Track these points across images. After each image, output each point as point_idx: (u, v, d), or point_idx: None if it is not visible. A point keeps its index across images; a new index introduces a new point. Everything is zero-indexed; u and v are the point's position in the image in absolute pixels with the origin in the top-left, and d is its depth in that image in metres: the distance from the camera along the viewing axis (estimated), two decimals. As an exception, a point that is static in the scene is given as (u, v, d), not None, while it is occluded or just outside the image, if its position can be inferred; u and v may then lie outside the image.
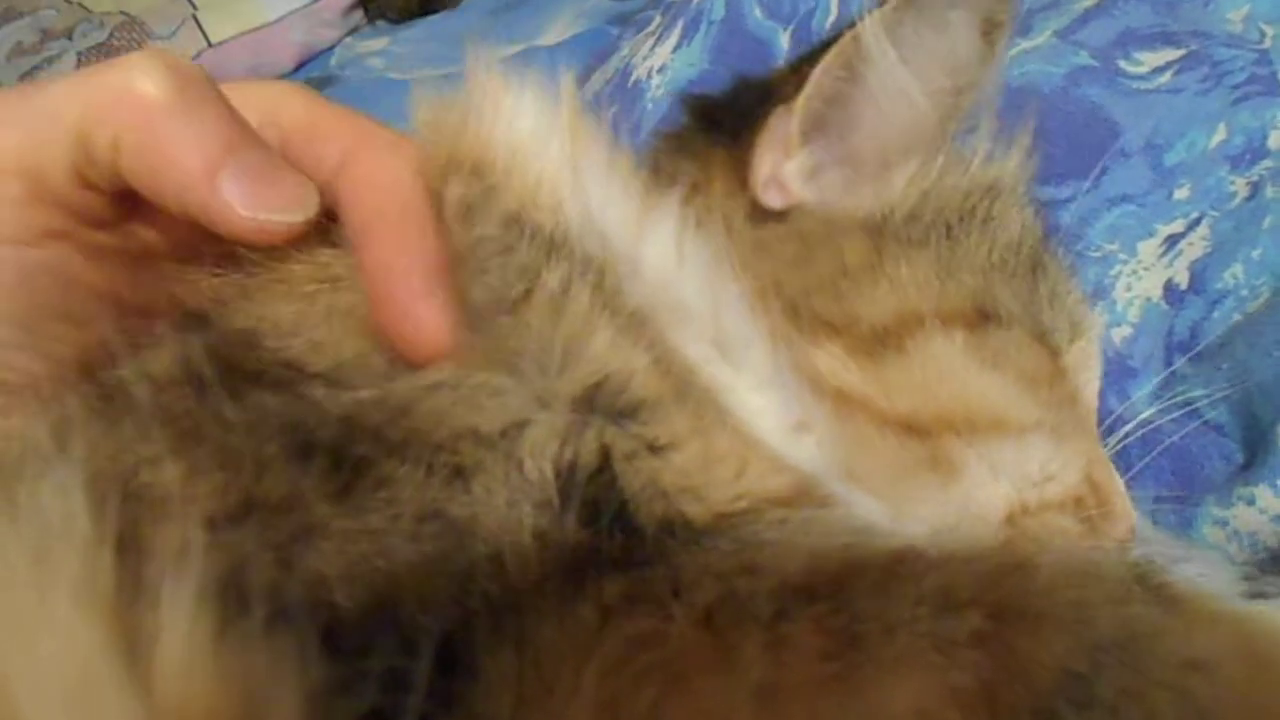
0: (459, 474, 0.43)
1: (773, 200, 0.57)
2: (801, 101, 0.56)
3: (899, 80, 0.56)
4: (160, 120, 0.47)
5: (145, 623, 0.36)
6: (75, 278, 0.50)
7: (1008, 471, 0.54)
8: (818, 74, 0.56)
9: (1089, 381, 0.65)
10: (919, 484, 0.53)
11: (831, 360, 0.54)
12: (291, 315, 0.48)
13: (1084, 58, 0.87)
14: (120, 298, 0.52)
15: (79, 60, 1.96)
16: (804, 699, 0.39)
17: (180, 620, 0.36)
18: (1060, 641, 0.40)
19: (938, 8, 0.55)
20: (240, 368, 0.45)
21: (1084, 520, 0.55)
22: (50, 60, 1.98)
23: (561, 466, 0.44)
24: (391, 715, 0.37)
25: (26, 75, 1.94)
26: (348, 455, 0.42)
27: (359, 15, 2.26)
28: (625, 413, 0.46)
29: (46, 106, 0.48)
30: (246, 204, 0.47)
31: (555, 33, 1.88)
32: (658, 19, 1.28)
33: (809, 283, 0.55)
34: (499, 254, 0.49)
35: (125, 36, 2.02)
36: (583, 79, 1.35)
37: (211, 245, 0.50)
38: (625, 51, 1.31)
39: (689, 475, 0.46)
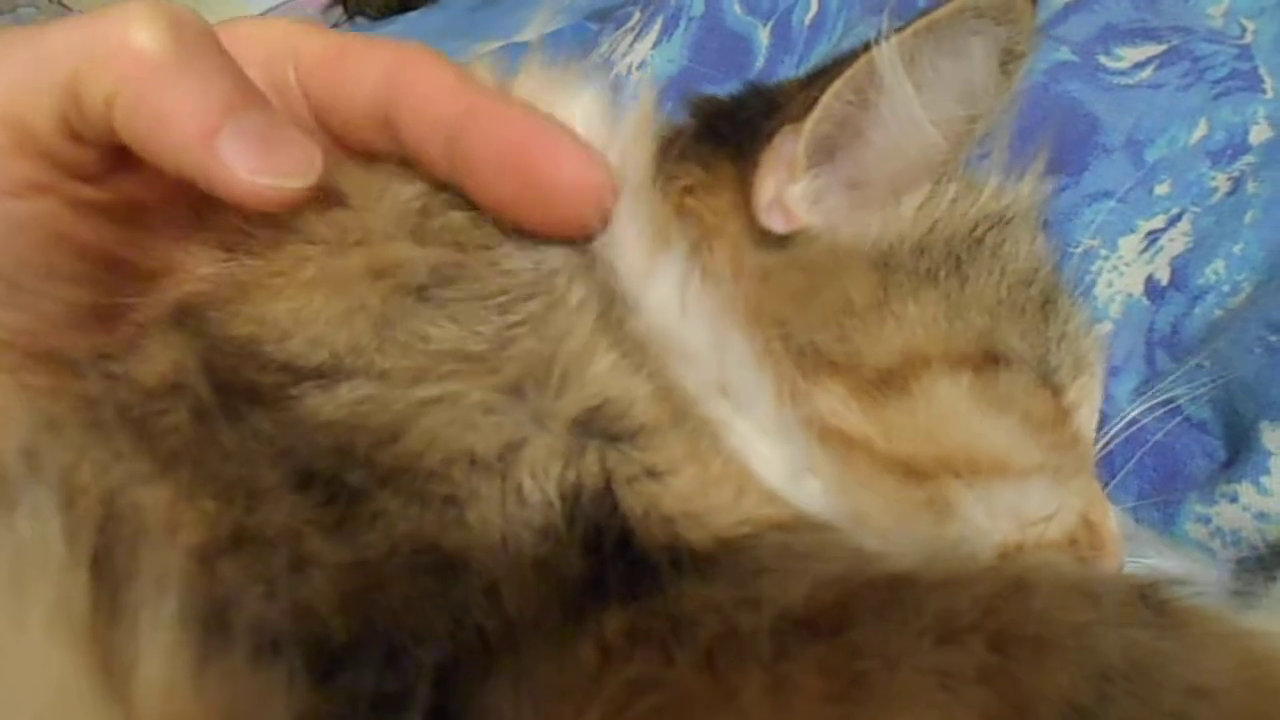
0: (453, 503, 0.42)
1: (776, 224, 0.55)
2: (810, 125, 0.55)
3: (912, 110, 0.55)
4: (157, 76, 0.45)
5: (123, 649, 0.36)
6: (62, 232, 0.48)
7: (1005, 513, 0.53)
8: (828, 99, 0.54)
9: (1089, 415, 0.65)
10: (916, 525, 0.52)
11: (833, 400, 0.52)
12: (289, 312, 0.46)
13: (1064, 53, 0.87)
14: (109, 253, 0.50)
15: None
16: None
17: (160, 646, 0.36)
18: (1064, 672, 0.39)
19: (958, 35, 0.54)
20: (238, 383, 0.44)
21: (1077, 559, 0.55)
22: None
23: (566, 489, 0.43)
24: None
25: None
26: (343, 486, 0.41)
27: (338, 12, 2.25)
28: (623, 437, 0.45)
29: (39, 54, 0.46)
30: (247, 167, 0.44)
31: (534, 29, 1.86)
32: (637, 15, 1.28)
33: (813, 319, 0.54)
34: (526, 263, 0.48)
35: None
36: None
37: (203, 203, 0.48)
38: (604, 48, 1.31)
39: (689, 500, 0.45)
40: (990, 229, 0.58)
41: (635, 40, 1.19)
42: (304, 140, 0.47)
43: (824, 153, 0.55)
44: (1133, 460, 0.64)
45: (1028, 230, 0.60)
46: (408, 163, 0.50)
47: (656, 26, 1.17)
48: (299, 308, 0.46)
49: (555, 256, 0.49)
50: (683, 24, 1.15)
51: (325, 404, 0.43)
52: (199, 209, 0.49)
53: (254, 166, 0.45)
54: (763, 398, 0.51)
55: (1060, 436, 0.56)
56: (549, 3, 1.93)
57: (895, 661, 0.39)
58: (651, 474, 0.45)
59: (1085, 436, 0.62)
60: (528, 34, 1.86)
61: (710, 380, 0.51)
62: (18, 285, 0.47)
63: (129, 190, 0.50)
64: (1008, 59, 0.55)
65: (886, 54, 0.52)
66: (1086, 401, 0.61)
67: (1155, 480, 0.63)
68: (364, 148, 0.51)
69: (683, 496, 0.45)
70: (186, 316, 0.47)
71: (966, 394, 0.53)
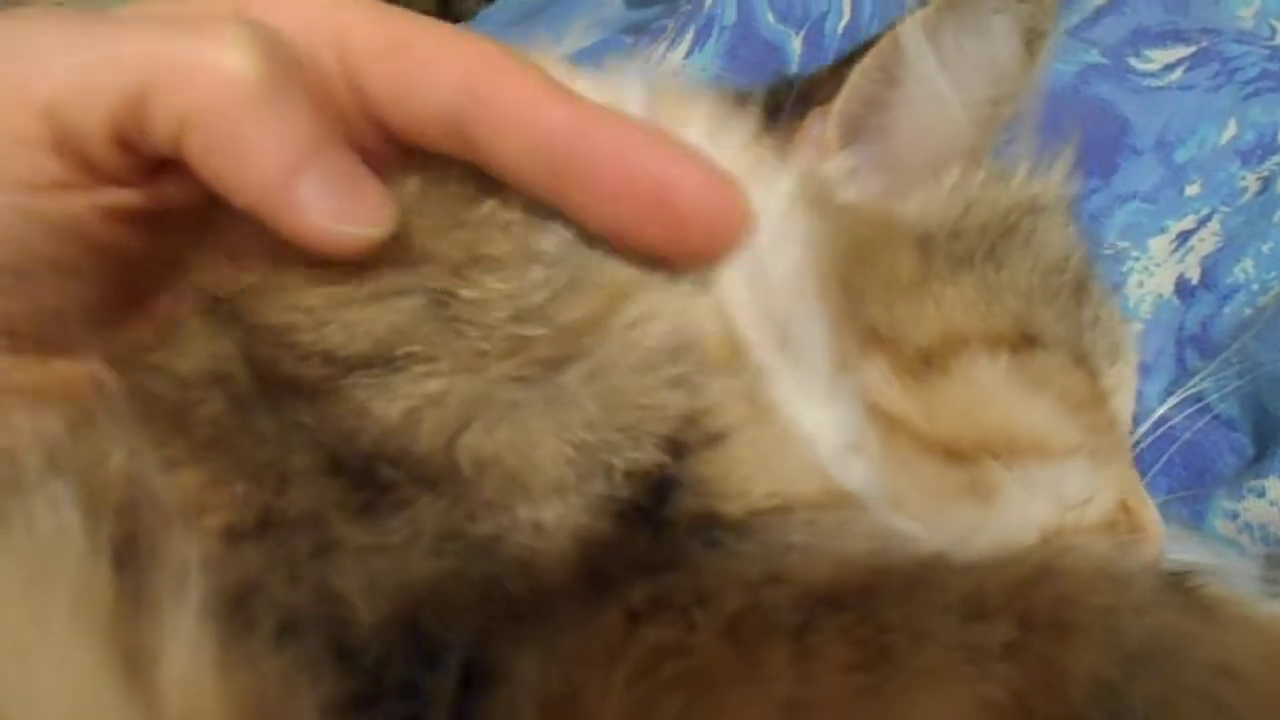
0: (498, 510, 0.42)
1: None
2: (839, 104, 0.55)
3: (938, 86, 0.55)
4: (244, 108, 0.42)
5: (147, 639, 0.36)
6: (80, 233, 0.46)
7: (1045, 495, 0.54)
8: (855, 77, 0.55)
9: (1125, 403, 0.65)
10: (957, 509, 0.52)
11: (877, 376, 0.53)
12: (325, 296, 0.45)
13: (1095, 56, 0.87)
14: (129, 256, 0.47)
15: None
16: (832, 713, 0.39)
17: (184, 635, 0.36)
18: (1092, 651, 0.39)
19: (980, 13, 0.54)
20: (275, 373, 0.43)
21: (1117, 544, 0.55)
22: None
23: (628, 466, 0.43)
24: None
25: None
26: (374, 476, 0.41)
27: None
28: (692, 383, 0.45)
29: (110, 50, 0.43)
30: (325, 214, 0.43)
31: (571, 42, 1.88)
32: (670, 26, 1.28)
33: (867, 280, 0.54)
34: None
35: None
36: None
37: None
38: (638, 60, 1.32)
39: (740, 469, 0.45)
40: (1023, 216, 0.58)
41: (668, 50, 1.20)
42: (380, 187, 0.45)
43: (854, 132, 0.55)
44: (1163, 459, 0.64)
45: (1059, 218, 0.60)
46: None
47: (689, 36, 1.18)
48: (335, 292, 0.46)
49: None
50: (715, 33, 1.15)
51: (377, 400, 0.43)
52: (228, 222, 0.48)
53: (333, 213, 0.43)
54: (821, 355, 0.51)
55: (1097, 418, 0.57)
56: (585, 16, 1.94)
57: (921, 637, 0.39)
58: (714, 438, 0.45)
59: (1122, 423, 0.62)
60: (564, 47, 1.88)
61: (774, 318, 0.50)
62: (26, 276, 0.45)
63: (164, 197, 0.48)
64: (1031, 37, 0.55)
65: (910, 30, 0.53)
66: (1122, 390, 0.62)
67: (1184, 478, 0.63)
68: (423, 148, 0.47)
69: (737, 468, 0.45)
70: (223, 307, 0.47)
71: (1004, 374, 0.53)
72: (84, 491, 0.39)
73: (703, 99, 0.55)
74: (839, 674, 0.38)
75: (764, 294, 0.50)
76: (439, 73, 0.44)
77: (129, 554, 0.38)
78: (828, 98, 0.55)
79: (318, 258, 0.44)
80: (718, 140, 0.52)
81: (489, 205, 0.48)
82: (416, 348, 0.43)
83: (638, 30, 1.67)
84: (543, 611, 0.39)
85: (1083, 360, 0.57)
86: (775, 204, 0.52)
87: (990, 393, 0.53)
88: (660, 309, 0.45)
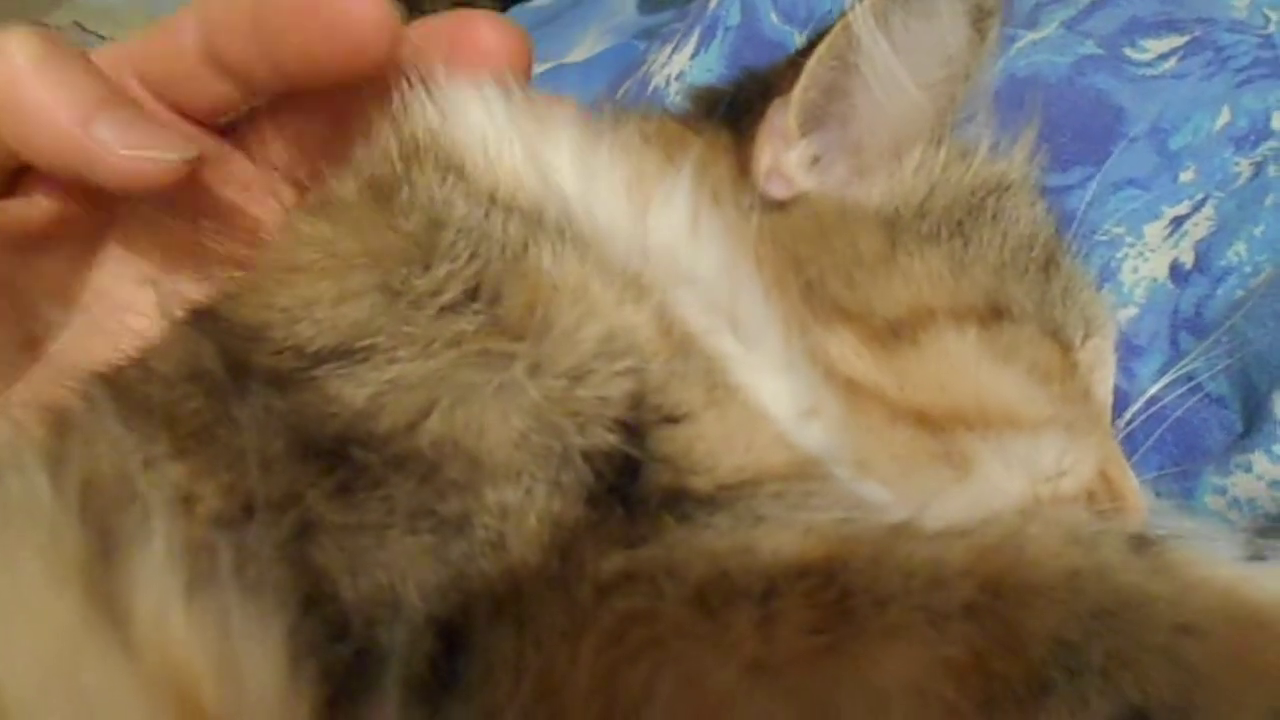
0: (463, 489, 0.43)
1: (776, 190, 0.58)
2: (798, 93, 0.58)
3: (891, 69, 0.57)
4: (32, 78, 0.48)
5: (117, 587, 0.37)
6: None
7: (1022, 466, 0.55)
8: (811, 65, 0.57)
9: (1104, 379, 0.66)
10: (931, 478, 0.54)
11: (843, 347, 0.54)
12: (295, 298, 0.49)
13: (1090, 47, 0.88)
14: (8, 281, 0.52)
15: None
16: (795, 673, 0.40)
17: (152, 579, 0.37)
18: (1052, 611, 0.40)
19: None
20: (249, 365, 0.46)
21: (1097, 515, 0.56)
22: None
23: (584, 444, 0.45)
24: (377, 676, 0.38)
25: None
26: (347, 458, 0.43)
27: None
28: (636, 373, 0.47)
29: None
30: (124, 144, 0.48)
31: (583, 50, 1.89)
32: (679, 28, 1.29)
33: (823, 262, 0.56)
34: (481, 234, 0.50)
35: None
36: (612, 93, 1.36)
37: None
38: (646, 62, 1.33)
39: (704, 446, 0.47)
40: (989, 195, 0.60)
41: (674, 52, 1.21)
42: (175, 125, 0.51)
43: (815, 119, 0.57)
44: (1153, 437, 0.65)
45: (1025, 196, 0.62)
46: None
47: (694, 38, 1.19)
48: (304, 294, 0.48)
49: (519, 216, 0.51)
50: (720, 34, 1.16)
51: (345, 387, 0.45)
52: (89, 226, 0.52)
53: (131, 143, 0.48)
54: (772, 331, 0.53)
55: (1069, 389, 0.58)
56: (597, 24, 1.95)
57: (884, 600, 0.40)
58: (671, 419, 0.46)
59: (1100, 396, 0.63)
60: (577, 55, 1.89)
61: (719, 309, 0.52)
62: None
63: (21, 216, 0.52)
64: (978, 16, 0.57)
65: (861, 16, 0.55)
66: (1100, 365, 0.63)
67: (1175, 455, 0.64)
68: (222, 107, 0.54)
69: (699, 440, 0.46)
70: (202, 314, 0.49)
71: (974, 345, 0.55)
72: (50, 464, 0.40)
73: (567, 120, 0.57)
74: (802, 635, 0.39)
75: (700, 289, 0.52)
76: (183, 40, 0.52)
77: (95, 516, 0.39)
78: (787, 88, 0.57)
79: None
80: (586, 159, 0.55)
81: (415, 198, 0.51)
82: (379, 339, 0.46)
83: (650, 35, 1.69)
84: (516, 587, 0.41)
85: (1054, 333, 0.58)
86: (676, 209, 0.54)
87: (960, 364, 0.54)
88: (595, 314, 0.48)
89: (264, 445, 0.42)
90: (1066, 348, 0.59)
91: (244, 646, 0.37)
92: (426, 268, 0.48)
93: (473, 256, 0.49)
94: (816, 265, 0.55)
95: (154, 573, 0.38)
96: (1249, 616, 0.42)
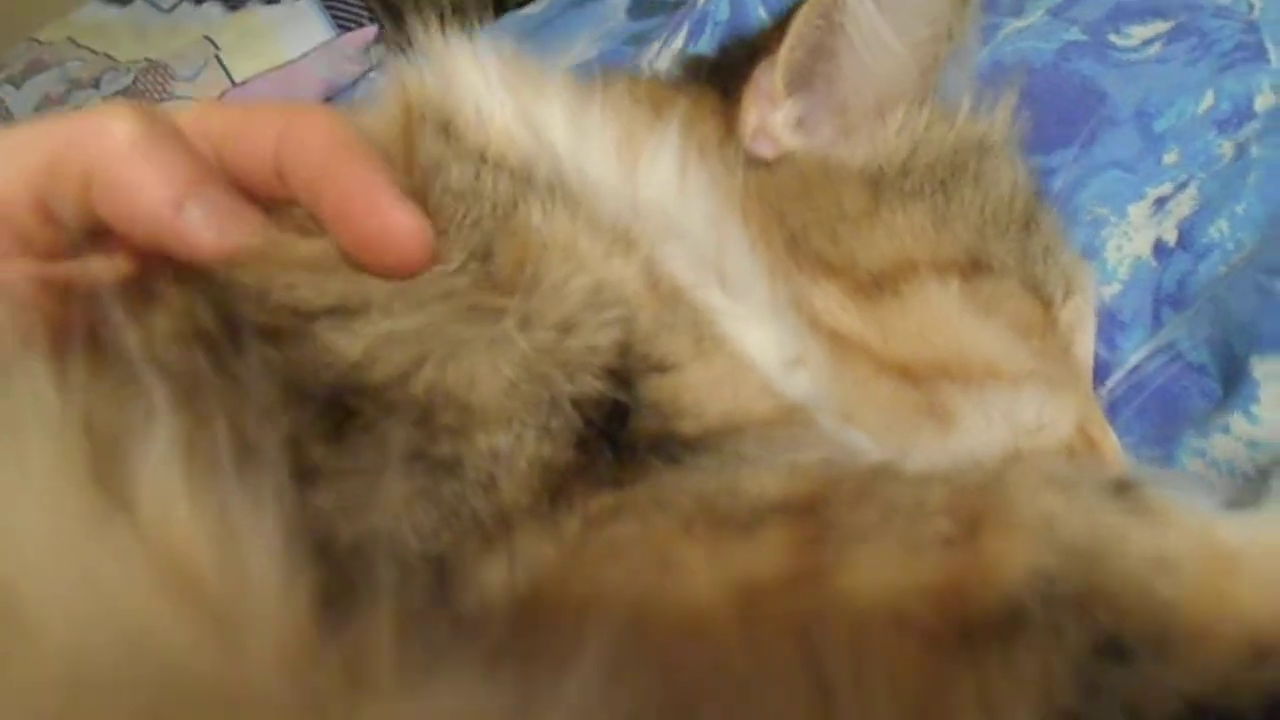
0: (456, 434, 0.44)
1: (763, 150, 0.59)
2: (784, 53, 0.58)
3: (876, 28, 0.58)
4: (132, 156, 0.50)
5: (123, 477, 0.38)
6: (16, 298, 0.52)
7: (1002, 419, 0.55)
8: (797, 24, 0.58)
9: (1084, 338, 0.67)
10: (914, 429, 0.54)
11: (828, 300, 0.55)
12: (295, 266, 0.50)
13: (1075, 33, 0.89)
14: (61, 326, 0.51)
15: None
16: (776, 597, 0.40)
17: (155, 469, 0.38)
18: (1029, 544, 0.41)
19: None
20: (246, 320, 0.46)
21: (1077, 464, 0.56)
22: (77, 109, 2.01)
23: (573, 391, 0.45)
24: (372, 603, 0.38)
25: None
26: (341, 405, 0.44)
27: (382, 50, 2.29)
28: (624, 322, 0.48)
29: (19, 141, 0.52)
30: (211, 228, 0.50)
31: (575, 55, 1.90)
32: (667, 24, 1.30)
33: (808, 218, 0.56)
34: (472, 193, 0.51)
35: (149, 80, 2.04)
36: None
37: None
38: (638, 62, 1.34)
39: (691, 394, 0.47)
40: (971, 154, 0.61)
41: (663, 47, 1.22)
42: (254, 211, 0.52)
43: (801, 79, 0.58)
44: (1134, 405, 0.65)
45: (1005, 156, 0.63)
46: None
47: (683, 33, 1.20)
48: (305, 261, 0.49)
49: (512, 177, 0.52)
50: (709, 29, 1.17)
51: (341, 339, 0.46)
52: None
53: (218, 229, 0.50)
54: (758, 282, 0.54)
55: (1049, 344, 0.58)
56: (589, 30, 1.96)
57: (865, 531, 0.41)
58: (659, 369, 0.47)
59: (1080, 355, 0.64)
60: (569, 60, 1.90)
61: (706, 262, 0.53)
62: None
63: (92, 271, 0.54)
64: None
65: None
66: (1081, 326, 0.63)
67: (1157, 422, 0.64)
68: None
69: (686, 389, 0.47)
70: (197, 275, 0.50)
71: (955, 297, 0.55)
72: (57, 376, 0.41)
73: (558, 82, 0.58)
74: (784, 562, 0.40)
75: (688, 243, 0.53)
76: (264, 135, 0.53)
77: (99, 415, 0.40)
78: (773, 48, 0.58)
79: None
80: (577, 118, 0.56)
81: (412, 160, 0.52)
82: (374, 296, 0.46)
83: (640, 41, 1.70)
84: (507, 524, 0.41)
85: (1034, 289, 0.58)
86: (664, 166, 0.55)
87: (942, 316, 0.55)
88: (583, 267, 0.48)
89: (259, 395, 0.43)
90: (1047, 304, 0.60)
91: (245, 536, 0.37)
92: None
93: (464, 216, 0.50)
94: (801, 220, 0.56)
95: (157, 464, 0.38)
96: (1224, 555, 0.42)
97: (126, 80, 2.03)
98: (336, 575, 0.39)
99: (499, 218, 0.50)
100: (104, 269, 0.55)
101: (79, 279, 0.54)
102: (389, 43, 2.30)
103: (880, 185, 0.58)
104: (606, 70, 0.64)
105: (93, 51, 2.20)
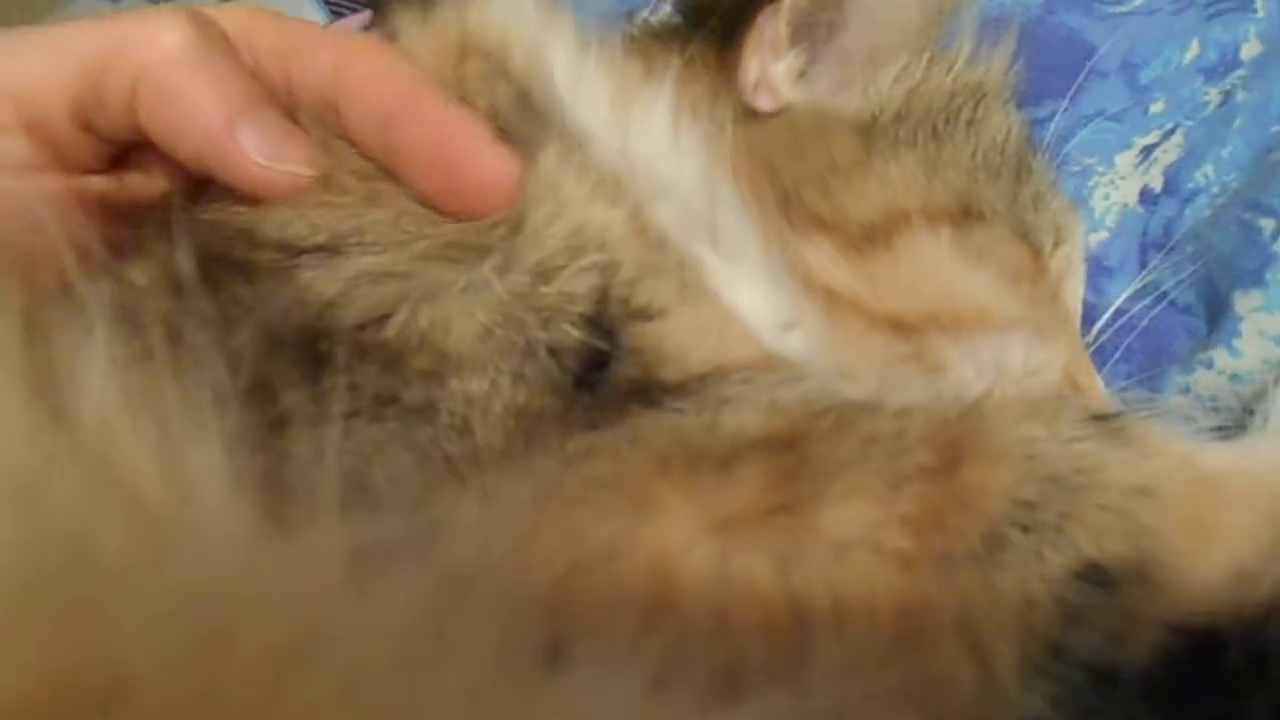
0: (430, 379, 0.44)
1: (763, 102, 0.59)
2: (789, 2, 0.58)
3: None
4: (183, 67, 0.48)
5: (64, 394, 0.37)
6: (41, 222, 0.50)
7: (990, 366, 0.55)
8: None
9: (1072, 286, 0.67)
10: (904, 379, 0.54)
11: (820, 256, 0.55)
12: (289, 205, 0.49)
13: (1060, -13, 0.89)
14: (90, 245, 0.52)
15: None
16: (752, 529, 0.40)
17: (97, 385, 0.37)
18: (1008, 474, 0.41)
19: None
20: (226, 258, 0.46)
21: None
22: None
23: (550, 336, 0.46)
24: None
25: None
26: (313, 349, 0.44)
27: (376, 33, 2.28)
28: (604, 268, 0.48)
29: (63, 44, 0.50)
30: (264, 153, 0.48)
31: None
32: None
33: (799, 173, 0.56)
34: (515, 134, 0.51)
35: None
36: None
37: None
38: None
39: (674, 340, 0.47)
40: (966, 100, 0.60)
41: (651, 14, 1.21)
42: (306, 137, 0.51)
43: (804, 29, 0.57)
44: (1121, 347, 0.65)
45: (1000, 103, 0.62)
46: None
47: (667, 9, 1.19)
48: (299, 201, 0.49)
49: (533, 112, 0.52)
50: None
51: (319, 278, 0.45)
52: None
53: (270, 154, 0.48)
54: (750, 241, 0.53)
55: (1039, 291, 0.58)
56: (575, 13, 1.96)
57: (843, 464, 0.41)
58: (643, 315, 0.47)
59: (1068, 303, 0.64)
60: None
61: (697, 218, 0.53)
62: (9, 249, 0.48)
63: (125, 187, 0.54)
64: None
65: None
66: (1070, 273, 0.63)
67: (1142, 362, 0.65)
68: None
69: (669, 336, 0.47)
70: (179, 218, 0.49)
71: (947, 247, 0.55)
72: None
73: (565, 25, 0.58)
74: (761, 495, 0.40)
75: (679, 199, 0.52)
76: (315, 63, 0.51)
77: (40, 333, 0.39)
78: None
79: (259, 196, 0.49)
80: (577, 67, 0.55)
81: None
82: (368, 238, 0.46)
83: (630, 17, 1.69)
84: (480, 467, 0.41)
85: (1025, 235, 0.58)
86: (656, 121, 0.55)
87: (933, 265, 0.55)
88: (566, 210, 0.48)
89: (229, 339, 0.43)
90: (1037, 251, 0.60)
91: (187, 452, 0.37)
92: None
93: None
94: (792, 175, 0.56)
95: (98, 379, 0.38)
96: (1206, 482, 0.42)
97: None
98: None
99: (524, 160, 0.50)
100: (142, 186, 0.54)
101: (115, 196, 0.53)
102: (382, 26, 2.30)
103: (872, 134, 0.58)
104: (603, 22, 0.63)
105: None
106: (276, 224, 0.48)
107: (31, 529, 0.33)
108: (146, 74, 0.48)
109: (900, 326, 0.54)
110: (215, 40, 0.50)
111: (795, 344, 0.53)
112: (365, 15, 2.10)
